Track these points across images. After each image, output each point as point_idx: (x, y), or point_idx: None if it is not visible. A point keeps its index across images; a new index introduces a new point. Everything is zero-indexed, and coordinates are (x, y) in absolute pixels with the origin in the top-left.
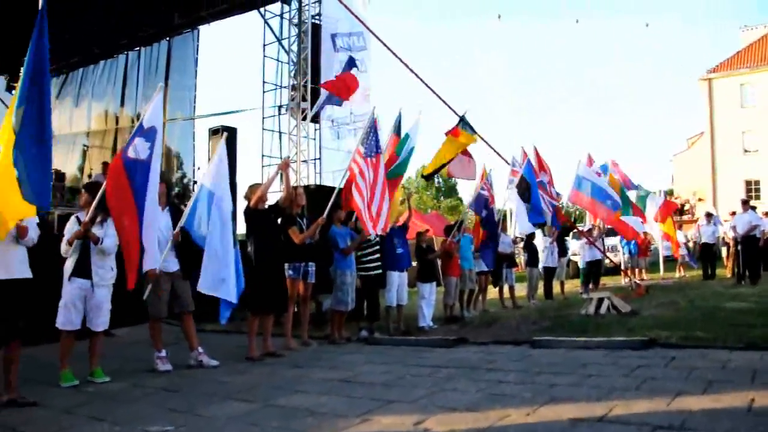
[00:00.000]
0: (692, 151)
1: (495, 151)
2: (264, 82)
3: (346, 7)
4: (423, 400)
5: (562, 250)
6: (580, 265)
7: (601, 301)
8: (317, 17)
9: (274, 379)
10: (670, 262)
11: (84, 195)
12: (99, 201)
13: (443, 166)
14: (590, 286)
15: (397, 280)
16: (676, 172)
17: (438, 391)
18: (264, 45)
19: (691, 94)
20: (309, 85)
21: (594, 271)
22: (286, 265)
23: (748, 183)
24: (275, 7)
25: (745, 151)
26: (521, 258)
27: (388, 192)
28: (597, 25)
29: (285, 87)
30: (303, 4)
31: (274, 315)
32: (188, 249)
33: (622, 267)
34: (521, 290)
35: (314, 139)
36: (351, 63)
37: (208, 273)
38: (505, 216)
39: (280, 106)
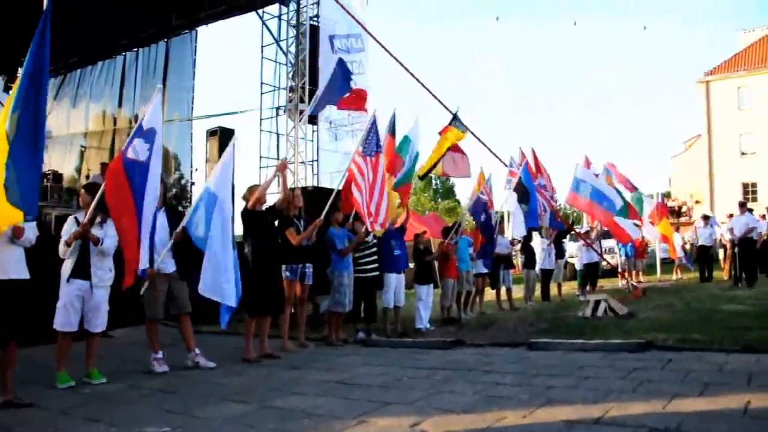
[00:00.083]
0: (690, 153)
1: (492, 152)
2: (262, 83)
3: (344, 8)
4: (420, 401)
5: (560, 252)
6: (578, 267)
7: (598, 303)
8: (315, 19)
9: (270, 381)
10: (667, 264)
11: (84, 195)
12: (98, 202)
13: (435, 164)
14: (587, 288)
15: (395, 281)
16: (673, 175)
17: (435, 392)
18: (262, 46)
19: (688, 96)
20: (307, 87)
21: (591, 274)
22: (284, 267)
23: (745, 185)
24: (273, 9)
25: (743, 153)
26: (518, 260)
27: (401, 196)
28: (595, 27)
29: (283, 88)
30: (301, 6)
31: (271, 316)
32: (186, 250)
33: (619, 269)
34: (518, 292)
35: (312, 140)
36: (341, 64)
37: (208, 276)
38: (502, 218)
39: (277, 108)
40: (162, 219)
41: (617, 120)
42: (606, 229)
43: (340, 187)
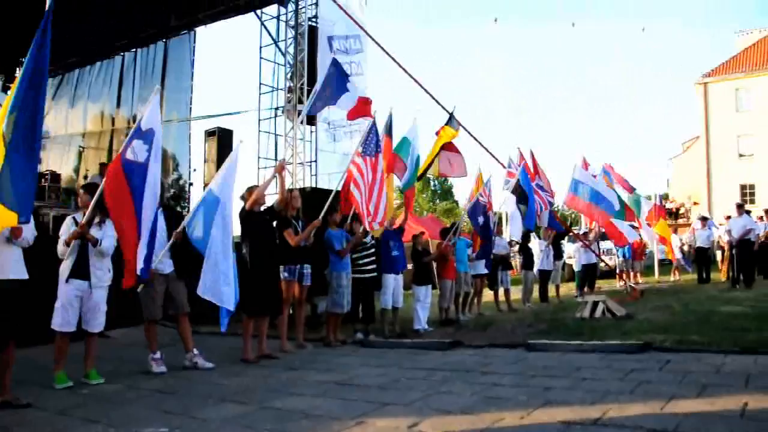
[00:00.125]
0: (688, 154)
1: (491, 153)
2: (260, 84)
3: (342, 9)
4: (418, 402)
5: (558, 254)
6: (576, 268)
7: (596, 304)
8: (314, 20)
9: (269, 382)
10: (665, 265)
11: (83, 195)
12: (96, 202)
13: (430, 165)
14: (585, 289)
15: (393, 282)
16: (671, 176)
17: (433, 393)
18: (260, 47)
19: (687, 97)
20: (305, 88)
21: (589, 275)
22: (282, 267)
23: (743, 187)
24: (272, 10)
25: (740, 155)
26: (517, 261)
27: (406, 201)
28: (593, 29)
29: (281, 89)
30: (300, 7)
31: (270, 317)
32: (185, 250)
33: (618, 270)
34: (516, 293)
35: (310, 141)
36: (335, 64)
37: (208, 278)
38: (500, 219)
39: (276, 108)
40: (160, 219)
41: (616, 121)
42: (603, 230)
43: (339, 188)
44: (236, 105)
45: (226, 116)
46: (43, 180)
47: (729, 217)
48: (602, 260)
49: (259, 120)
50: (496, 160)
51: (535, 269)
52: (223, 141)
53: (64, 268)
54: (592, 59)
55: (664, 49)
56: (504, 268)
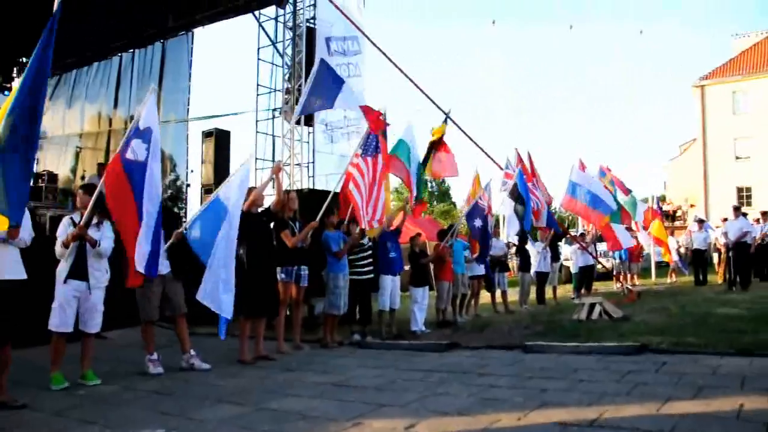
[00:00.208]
0: (685, 157)
1: (488, 155)
2: (258, 85)
3: (340, 11)
4: (414, 404)
5: (555, 256)
6: (573, 270)
7: (593, 306)
8: (312, 21)
9: (266, 383)
10: (662, 267)
11: (82, 196)
12: (94, 203)
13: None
14: (582, 291)
15: (390, 284)
16: (668, 178)
17: (430, 395)
18: (258, 48)
19: (684, 100)
20: (303, 89)
21: (586, 277)
22: (279, 269)
23: (739, 189)
24: (270, 11)
25: (737, 157)
26: (514, 263)
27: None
28: (591, 31)
29: (279, 90)
30: (298, 8)
31: (266, 318)
32: (182, 251)
33: (614, 272)
34: (513, 295)
35: (308, 142)
36: (323, 64)
37: (209, 285)
38: (497, 221)
39: (273, 110)
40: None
41: (614, 122)
42: (600, 233)
43: (336, 190)
44: (234, 106)
45: (224, 117)
46: (40, 180)
47: (726, 220)
48: (599, 262)
49: (257, 121)
50: (494, 161)
51: (532, 271)
52: (220, 142)
53: (62, 268)
54: (591, 60)
55: (662, 50)
56: (501, 269)
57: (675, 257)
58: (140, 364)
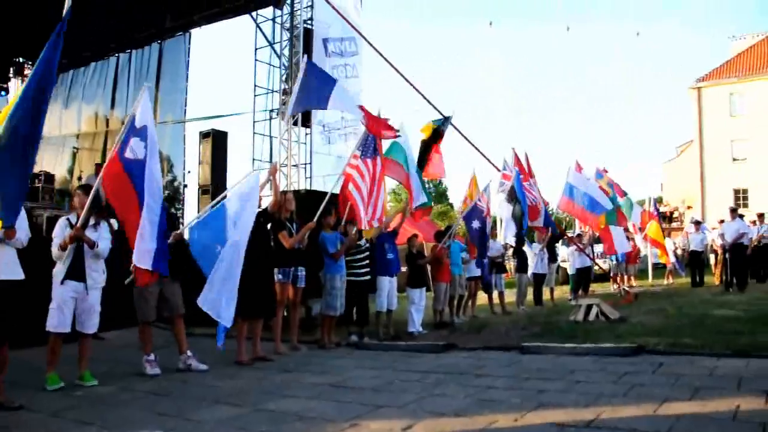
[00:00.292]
0: (682, 158)
1: (486, 157)
2: (255, 86)
3: (338, 12)
4: (412, 405)
5: (552, 257)
6: (570, 271)
7: (590, 307)
8: (309, 22)
9: (263, 384)
10: (659, 269)
11: (81, 196)
12: (91, 203)
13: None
14: (579, 292)
15: (387, 285)
16: (665, 180)
17: (427, 396)
18: (255, 49)
19: (682, 101)
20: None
21: (583, 278)
22: (276, 270)
23: (736, 191)
24: (267, 12)
25: (734, 159)
26: (511, 264)
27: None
28: (588, 32)
29: (276, 91)
30: (295, 9)
31: (264, 319)
32: (180, 251)
33: (611, 274)
34: (510, 296)
35: (305, 143)
36: (309, 65)
37: (213, 291)
38: (495, 222)
39: (271, 111)
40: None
41: (612, 123)
42: (597, 233)
43: (334, 191)
44: (231, 107)
45: (221, 118)
46: (36, 181)
47: (722, 221)
48: (596, 264)
49: (254, 122)
50: (491, 164)
51: (529, 272)
52: (217, 143)
53: (59, 269)
54: (591, 60)
55: (662, 51)
56: (498, 271)
57: (672, 259)
58: (137, 365)
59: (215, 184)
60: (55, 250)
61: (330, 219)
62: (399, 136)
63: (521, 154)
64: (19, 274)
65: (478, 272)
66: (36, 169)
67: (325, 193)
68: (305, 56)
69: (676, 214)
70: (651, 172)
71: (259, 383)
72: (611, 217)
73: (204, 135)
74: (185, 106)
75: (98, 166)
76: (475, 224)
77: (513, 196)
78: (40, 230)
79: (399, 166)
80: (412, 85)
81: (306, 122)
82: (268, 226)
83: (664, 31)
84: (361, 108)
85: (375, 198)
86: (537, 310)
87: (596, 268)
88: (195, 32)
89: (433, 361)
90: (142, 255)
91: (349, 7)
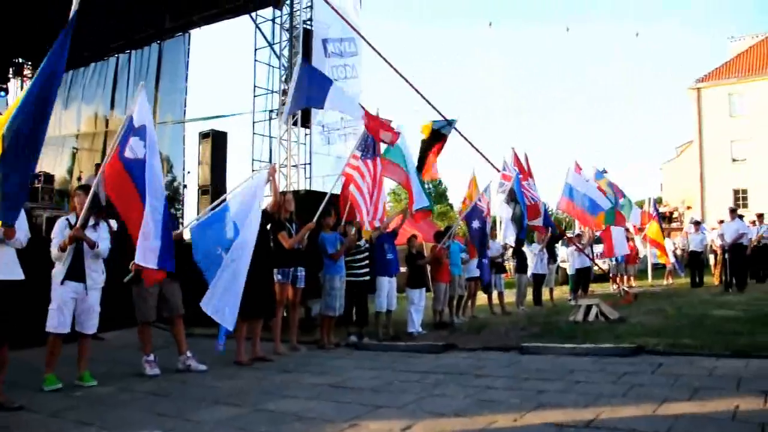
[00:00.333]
0: (681, 159)
1: (485, 158)
2: (255, 86)
3: (337, 12)
4: (411, 405)
5: (552, 257)
6: (569, 271)
7: (589, 308)
8: (308, 22)
9: (262, 384)
10: (659, 269)
11: (81, 196)
12: (90, 203)
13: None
14: (579, 292)
15: (387, 285)
16: (665, 180)
17: (426, 396)
18: (255, 49)
19: (681, 102)
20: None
21: (583, 278)
22: (275, 270)
23: (736, 192)
24: (267, 12)
25: (734, 160)
26: (510, 264)
27: (414, 217)
28: (588, 33)
29: (276, 92)
30: (294, 10)
31: (263, 319)
32: (179, 251)
33: (611, 274)
34: (510, 296)
35: (305, 144)
36: (303, 66)
37: (217, 294)
38: (494, 222)
39: (270, 111)
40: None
41: (612, 124)
42: (598, 234)
43: (333, 191)
44: (231, 107)
45: (221, 119)
46: (36, 181)
47: (722, 222)
48: (596, 264)
49: (254, 122)
50: (491, 164)
51: (529, 272)
52: (217, 143)
53: (59, 270)
54: (590, 61)
55: (661, 51)
56: (498, 271)
57: (672, 259)
58: (137, 366)
59: (215, 185)
60: (54, 250)
61: (329, 219)
62: (399, 136)
63: (521, 154)
64: (18, 275)
65: (477, 272)
66: (35, 170)
67: (325, 194)
68: (303, 58)
69: (675, 215)
70: (652, 172)
71: (258, 383)
72: (609, 216)
73: (203, 135)
74: (185, 106)
75: (98, 167)
76: (475, 224)
77: (512, 197)
78: (40, 230)
79: (398, 167)
80: (413, 86)
81: (305, 123)
82: (268, 226)
83: (663, 31)
84: (367, 115)
85: (376, 199)
86: (536, 310)
87: (596, 268)
88: (194, 32)
89: (433, 361)
90: (147, 254)
91: (348, 8)
